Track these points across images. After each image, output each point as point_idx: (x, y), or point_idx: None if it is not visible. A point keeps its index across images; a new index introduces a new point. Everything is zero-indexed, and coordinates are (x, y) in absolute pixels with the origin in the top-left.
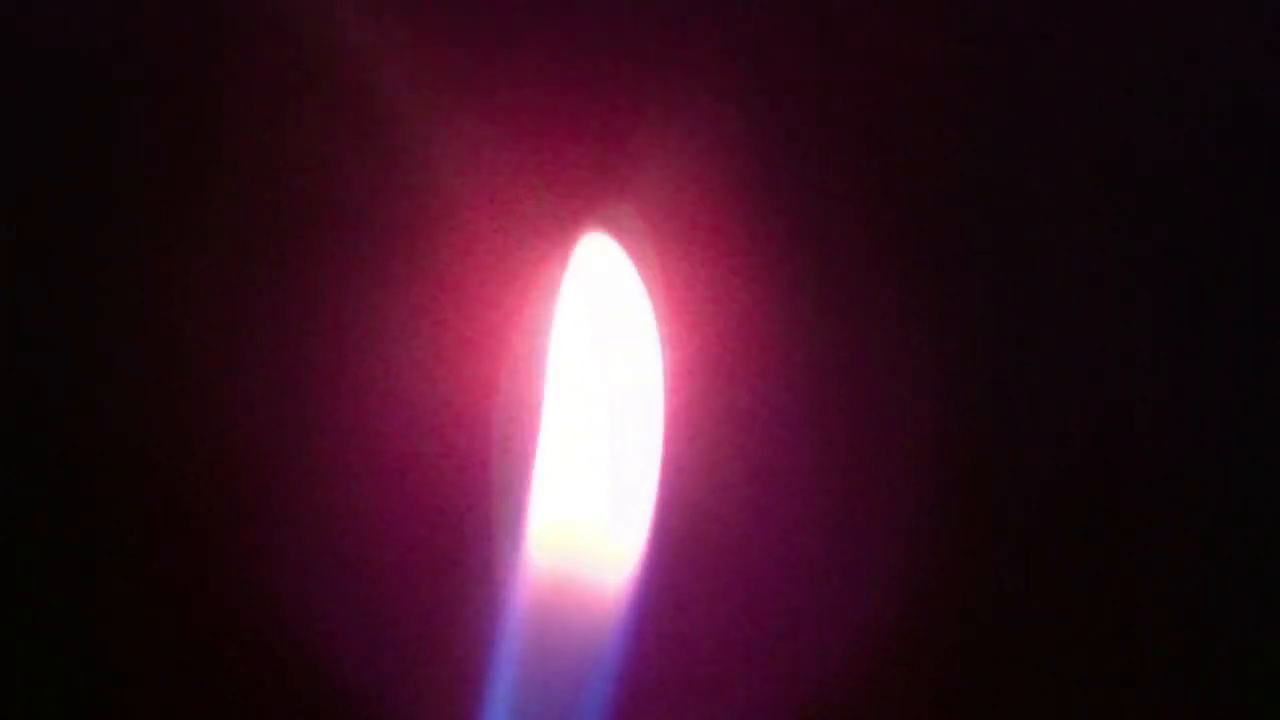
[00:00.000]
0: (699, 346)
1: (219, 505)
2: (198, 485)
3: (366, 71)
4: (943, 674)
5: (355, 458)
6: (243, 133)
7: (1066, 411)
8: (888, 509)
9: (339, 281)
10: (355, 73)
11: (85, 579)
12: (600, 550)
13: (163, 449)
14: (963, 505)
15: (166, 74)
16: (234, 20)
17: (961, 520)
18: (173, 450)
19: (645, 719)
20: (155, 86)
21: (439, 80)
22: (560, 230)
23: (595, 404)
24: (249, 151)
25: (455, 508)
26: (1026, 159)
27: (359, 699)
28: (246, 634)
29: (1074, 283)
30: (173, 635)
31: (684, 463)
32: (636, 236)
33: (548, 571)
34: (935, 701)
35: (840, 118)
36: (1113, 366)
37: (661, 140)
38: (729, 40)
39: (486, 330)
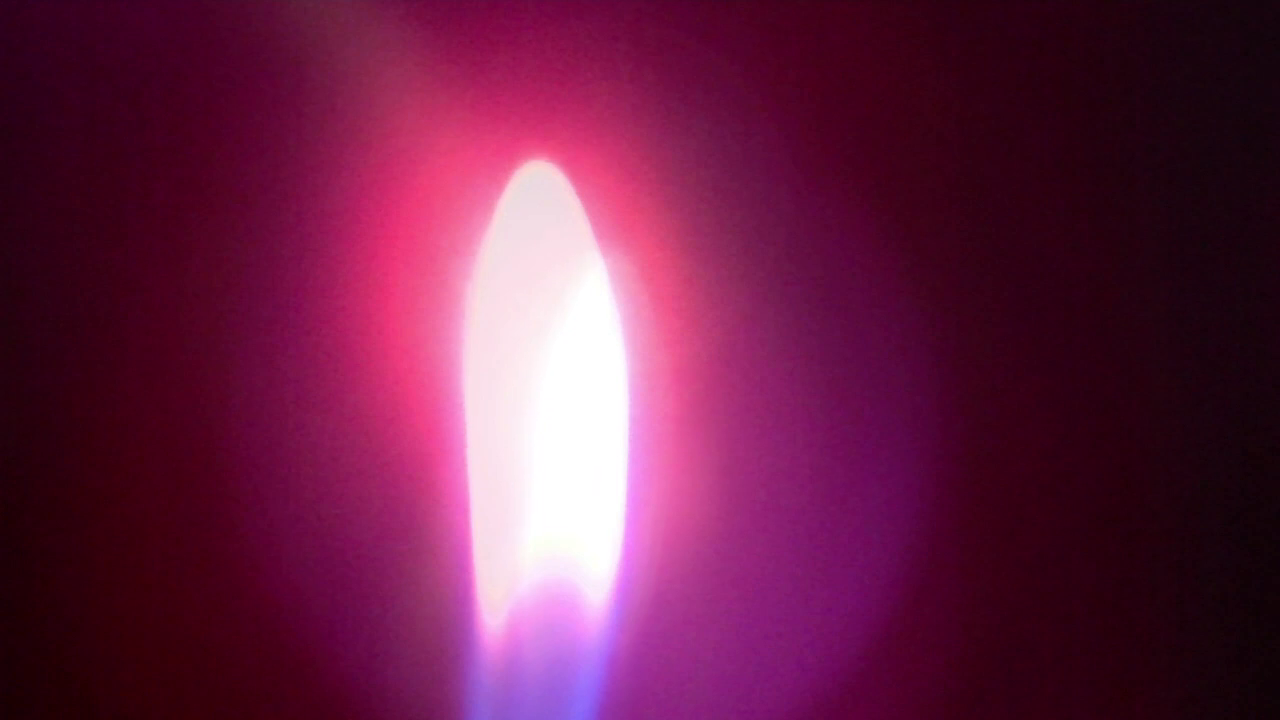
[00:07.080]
0: (682, 349)
1: (203, 502)
2: (172, 480)
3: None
4: (934, 675)
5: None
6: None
7: (1067, 410)
8: (878, 509)
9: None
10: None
11: (71, 578)
12: (580, 552)
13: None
14: (956, 505)
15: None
16: None
17: (954, 521)
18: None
19: None
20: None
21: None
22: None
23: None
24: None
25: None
26: (1022, 159)
27: (340, 700)
28: (222, 634)
29: (1072, 281)
30: (163, 635)
31: (666, 465)
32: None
33: (530, 575)
34: (927, 704)
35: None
36: (1112, 365)
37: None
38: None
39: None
